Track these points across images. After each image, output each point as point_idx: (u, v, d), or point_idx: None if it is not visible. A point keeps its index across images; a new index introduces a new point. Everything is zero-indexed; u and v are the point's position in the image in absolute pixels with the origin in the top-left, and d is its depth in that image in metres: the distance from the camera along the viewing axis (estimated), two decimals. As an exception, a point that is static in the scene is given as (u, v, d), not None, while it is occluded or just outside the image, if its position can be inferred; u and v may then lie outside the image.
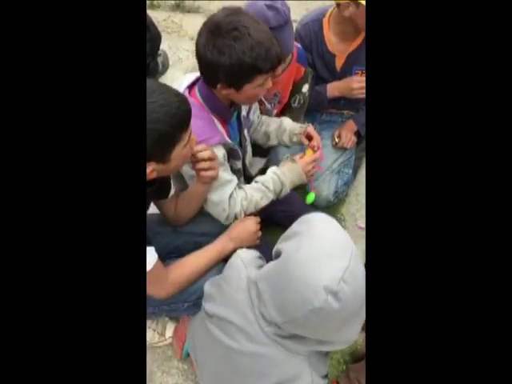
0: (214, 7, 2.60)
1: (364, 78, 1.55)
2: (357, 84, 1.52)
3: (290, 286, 0.72)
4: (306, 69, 1.50)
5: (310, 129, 1.36)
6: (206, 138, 1.07)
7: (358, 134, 1.80)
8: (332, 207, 1.82)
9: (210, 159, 1.05)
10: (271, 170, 1.28)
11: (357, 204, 1.90)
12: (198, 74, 1.11)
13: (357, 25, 1.41)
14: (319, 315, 0.70)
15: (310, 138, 1.36)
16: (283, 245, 0.80)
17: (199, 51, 0.98)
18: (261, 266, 0.93)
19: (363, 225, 1.80)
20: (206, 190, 1.15)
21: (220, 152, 1.13)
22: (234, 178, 1.20)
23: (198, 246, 1.24)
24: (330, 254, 0.72)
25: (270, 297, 0.78)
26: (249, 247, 1.10)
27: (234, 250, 1.06)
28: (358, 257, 0.73)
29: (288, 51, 1.26)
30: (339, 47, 1.53)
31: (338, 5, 1.38)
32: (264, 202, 1.26)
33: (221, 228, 1.30)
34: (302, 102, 1.55)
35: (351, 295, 0.70)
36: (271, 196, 1.26)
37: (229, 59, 0.95)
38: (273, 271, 0.78)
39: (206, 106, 1.12)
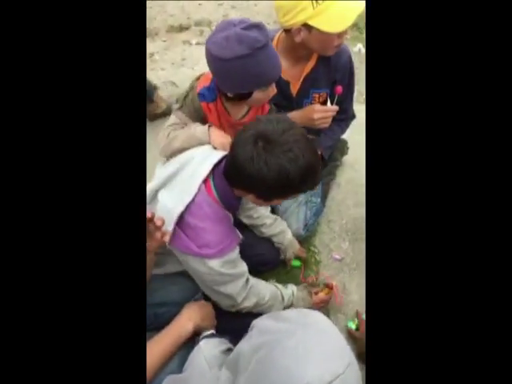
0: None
1: (325, 107, 1.43)
2: (318, 115, 1.38)
3: (268, 376, 0.59)
4: (271, 105, 1.37)
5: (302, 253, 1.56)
6: (228, 243, 1.04)
7: (321, 158, 1.67)
8: (303, 239, 1.68)
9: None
10: (292, 287, 1.36)
11: (330, 233, 1.77)
12: (212, 161, 1.04)
13: (310, 49, 1.28)
14: None
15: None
16: (269, 322, 0.67)
17: (242, 160, 0.91)
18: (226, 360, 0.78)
19: (339, 256, 1.68)
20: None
21: (237, 251, 1.10)
22: (245, 271, 1.16)
23: (159, 318, 1.11)
24: (326, 353, 0.60)
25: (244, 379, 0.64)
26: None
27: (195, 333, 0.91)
28: (356, 370, 0.59)
29: (280, 67, 1.14)
30: (292, 72, 1.39)
31: (287, 30, 1.24)
32: (271, 310, 1.25)
33: (182, 294, 1.17)
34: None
35: None
36: (280, 308, 1.28)
37: (276, 177, 0.90)
38: (252, 351, 0.65)
39: (220, 202, 1.05)
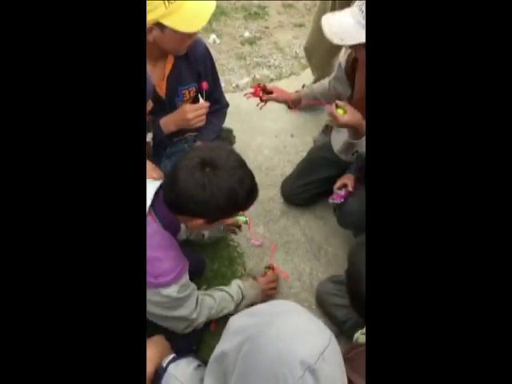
0: None
1: (195, 105, 1.40)
2: (190, 114, 1.35)
3: (260, 367, 0.59)
4: (149, 117, 1.29)
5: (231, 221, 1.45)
6: (182, 266, 1.06)
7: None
8: (220, 239, 1.65)
9: None
10: (235, 282, 1.37)
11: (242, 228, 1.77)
12: (151, 192, 1.04)
13: (164, 49, 1.24)
14: None
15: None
16: (244, 319, 0.67)
17: (191, 188, 0.93)
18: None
19: (258, 242, 1.68)
20: None
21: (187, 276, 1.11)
22: (194, 288, 1.18)
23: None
24: (309, 330, 0.63)
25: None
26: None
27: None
28: (336, 341, 0.61)
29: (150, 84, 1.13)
30: (155, 74, 1.33)
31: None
32: (225, 312, 1.29)
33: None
34: (148, 153, 1.37)
35: (330, 380, 0.58)
36: (232, 307, 1.31)
37: (228, 199, 0.95)
38: (236, 350, 0.63)
39: (163, 228, 1.05)
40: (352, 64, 1.45)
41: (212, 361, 0.67)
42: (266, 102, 1.63)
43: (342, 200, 1.48)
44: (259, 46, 2.65)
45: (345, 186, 1.51)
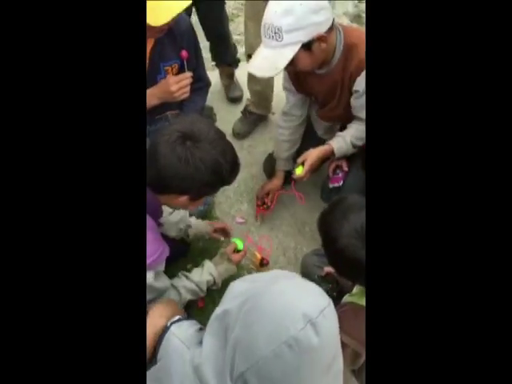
0: None
1: (178, 76, 1.37)
2: (175, 86, 1.33)
3: (262, 318, 0.60)
4: None
5: (219, 225, 1.52)
6: (162, 249, 1.02)
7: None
8: (205, 215, 1.67)
9: None
10: (209, 270, 1.27)
11: (227, 200, 1.78)
12: None
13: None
14: (293, 349, 0.57)
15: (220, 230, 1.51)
16: (246, 284, 0.68)
17: (173, 164, 0.90)
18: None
19: (242, 219, 1.70)
20: None
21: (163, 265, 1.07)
22: (169, 285, 1.16)
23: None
24: (311, 290, 0.65)
25: (235, 338, 0.62)
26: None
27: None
28: (334, 309, 0.63)
29: None
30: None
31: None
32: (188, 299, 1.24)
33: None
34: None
35: (329, 336, 0.60)
36: (202, 295, 1.27)
37: (212, 173, 0.93)
38: (239, 307, 0.64)
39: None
40: (295, 75, 1.46)
41: (213, 320, 0.67)
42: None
43: (342, 182, 1.50)
44: (237, 24, 2.61)
45: (338, 167, 1.53)
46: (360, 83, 1.31)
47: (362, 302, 0.94)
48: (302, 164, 1.46)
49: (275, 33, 1.15)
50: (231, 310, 0.64)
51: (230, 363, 0.61)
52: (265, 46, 1.21)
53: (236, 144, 1.97)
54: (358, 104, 1.36)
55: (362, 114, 1.38)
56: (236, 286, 0.69)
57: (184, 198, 0.98)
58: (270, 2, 1.17)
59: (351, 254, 0.83)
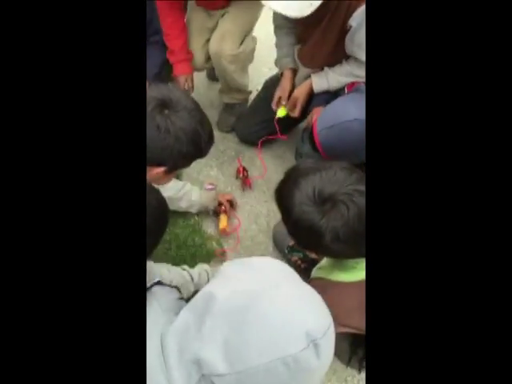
0: None
1: None
2: None
3: (259, 326, 0.54)
4: None
5: (225, 197, 1.46)
6: None
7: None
8: (170, 182, 1.54)
9: None
10: (203, 267, 1.24)
11: (195, 166, 1.63)
12: None
13: None
14: (289, 368, 0.52)
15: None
16: (236, 268, 0.63)
17: (151, 135, 0.85)
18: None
19: (211, 186, 1.59)
20: None
21: None
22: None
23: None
24: (315, 303, 0.58)
25: (218, 337, 0.56)
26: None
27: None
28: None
29: None
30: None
31: None
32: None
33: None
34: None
35: (328, 358, 0.55)
36: (191, 289, 1.15)
37: (191, 142, 0.89)
38: (227, 297, 0.58)
39: None
40: None
41: (198, 297, 0.61)
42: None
43: None
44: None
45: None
46: (356, 18, 1.14)
47: (331, 276, 0.86)
48: (285, 106, 1.40)
49: None
50: (218, 296, 0.57)
51: (196, 349, 0.56)
52: None
53: (205, 102, 1.85)
54: (350, 41, 1.20)
55: (354, 53, 1.23)
56: (227, 268, 0.64)
57: (160, 171, 0.93)
58: None
59: (306, 223, 0.74)
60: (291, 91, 1.47)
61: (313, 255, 0.85)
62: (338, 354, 1.16)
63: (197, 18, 1.55)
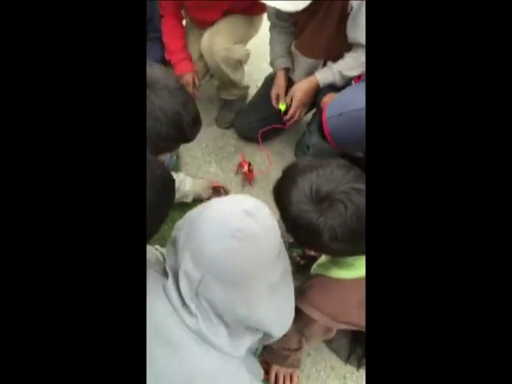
0: None
1: None
2: None
3: (206, 223, 0.66)
4: None
5: (217, 184, 1.45)
6: None
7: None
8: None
9: None
10: None
11: (194, 161, 1.65)
12: None
13: None
14: (239, 240, 0.62)
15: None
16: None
17: None
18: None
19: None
20: None
21: None
22: None
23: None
24: (246, 197, 0.71)
25: (186, 248, 0.67)
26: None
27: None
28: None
29: None
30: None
31: None
32: None
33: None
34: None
35: (268, 225, 0.66)
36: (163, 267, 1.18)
37: (173, 124, 0.86)
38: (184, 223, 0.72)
39: None
40: None
41: (168, 246, 0.73)
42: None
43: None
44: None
45: None
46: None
47: (330, 273, 0.86)
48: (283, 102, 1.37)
49: None
50: (180, 230, 0.71)
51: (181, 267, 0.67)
52: None
53: (205, 99, 1.84)
54: (352, 24, 1.16)
55: (358, 38, 1.19)
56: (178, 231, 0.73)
57: None
58: None
59: (304, 221, 0.73)
60: (287, 87, 1.46)
61: (312, 253, 0.84)
62: (337, 350, 1.16)
63: (192, 32, 1.56)
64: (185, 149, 1.63)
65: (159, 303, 0.68)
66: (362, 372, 1.14)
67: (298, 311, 0.89)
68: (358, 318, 0.84)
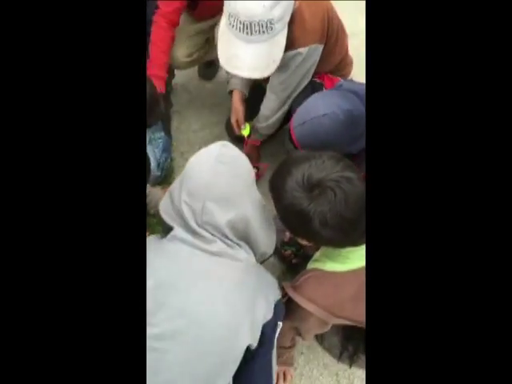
0: None
1: None
2: None
3: (192, 164, 0.84)
4: None
5: None
6: None
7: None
8: (163, 180, 1.54)
9: None
10: None
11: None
12: None
13: None
14: (225, 163, 0.80)
15: None
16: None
17: None
18: None
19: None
20: None
21: None
22: None
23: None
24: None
25: (183, 190, 0.81)
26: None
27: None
28: None
29: None
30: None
31: None
32: None
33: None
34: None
35: (239, 153, 0.85)
36: None
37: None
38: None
39: None
40: None
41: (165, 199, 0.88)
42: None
43: None
44: None
45: None
46: None
47: (325, 266, 0.88)
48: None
49: (267, 26, 1.04)
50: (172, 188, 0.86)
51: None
52: (248, 43, 1.08)
53: (199, 103, 1.86)
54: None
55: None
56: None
57: None
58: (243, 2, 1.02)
59: (296, 207, 0.77)
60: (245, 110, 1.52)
61: (304, 242, 0.86)
62: (328, 349, 1.18)
63: (185, 22, 1.57)
64: (178, 153, 1.65)
65: (169, 247, 0.82)
66: (355, 369, 1.16)
67: (292, 307, 0.91)
68: (351, 311, 0.86)
